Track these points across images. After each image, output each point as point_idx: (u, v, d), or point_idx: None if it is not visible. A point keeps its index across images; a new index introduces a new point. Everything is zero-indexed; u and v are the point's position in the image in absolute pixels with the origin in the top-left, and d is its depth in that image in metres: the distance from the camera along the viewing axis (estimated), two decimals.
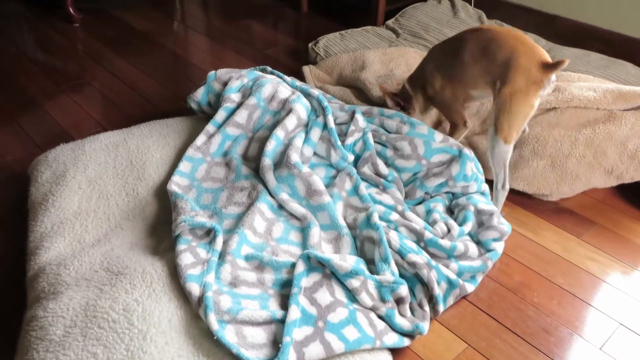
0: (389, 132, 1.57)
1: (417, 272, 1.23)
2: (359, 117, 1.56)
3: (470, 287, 1.30)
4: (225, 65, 2.38)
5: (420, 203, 1.50)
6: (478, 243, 1.40)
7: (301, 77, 2.21)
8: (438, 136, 1.51)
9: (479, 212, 1.41)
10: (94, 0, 2.86)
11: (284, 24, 2.82)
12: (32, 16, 2.78)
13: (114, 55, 2.43)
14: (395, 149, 1.51)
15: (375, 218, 1.29)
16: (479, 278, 1.34)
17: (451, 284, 1.25)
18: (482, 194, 1.52)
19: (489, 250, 1.38)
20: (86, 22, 2.73)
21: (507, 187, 1.49)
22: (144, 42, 2.58)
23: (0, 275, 1.33)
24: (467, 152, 1.46)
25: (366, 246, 1.29)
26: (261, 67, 1.79)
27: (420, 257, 1.25)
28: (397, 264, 1.25)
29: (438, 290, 1.21)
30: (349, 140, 1.51)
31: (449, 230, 1.38)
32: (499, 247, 1.39)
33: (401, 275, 1.24)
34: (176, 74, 2.30)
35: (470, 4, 2.65)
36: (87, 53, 2.46)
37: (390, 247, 1.26)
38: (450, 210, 1.50)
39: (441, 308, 1.22)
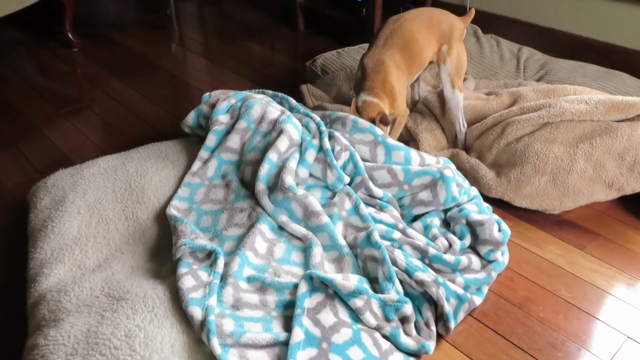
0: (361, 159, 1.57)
1: (426, 290, 1.22)
2: (338, 136, 1.54)
3: (478, 300, 1.30)
4: (224, 86, 2.40)
5: (415, 219, 1.50)
6: (479, 255, 1.39)
7: (299, 96, 2.22)
8: (415, 158, 1.52)
9: (471, 225, 1.41)
10: (92, 25, 2.88)
11: (281, 44, 2.84)
12: (32, 42, 2.81)
13: (112, 79, 2.45)
14: (374, 178, 1.50)
15: (376, 236, 1.29)
16: (485, 290, 1.34)
17: (460, 299, 1.24)
18: (474, 200, 1.52)
19: (490, 261, 1.38)
20: (85, 46, 2.75)
21: (465, 127, 1.78)
22: (143, 64, 2.60)
23: (1, 302, 1.32)
24: (448, 173, 1.46)
25: (369, 265, 1.28)
26: (261, 90, 1.80)
27: (427, 275, 1.24)
28: (404, 282, 1.24)
29: (448, 307, 1.21)
30: (339, 163, 1.50)
31: (450, 245, 1.38)
32: (500, 256, 1.39)
33: (406, 294, 1.23)
34: (175, 96, 2.32)
35: None
36: (86, 77, 2.48)
37: (397, 266, 1.25)
38: (446, 223, 1.49)
39: (452, 325, 1.21)
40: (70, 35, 2.67)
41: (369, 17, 2.58)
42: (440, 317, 1.21)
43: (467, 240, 1.39)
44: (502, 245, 1.39)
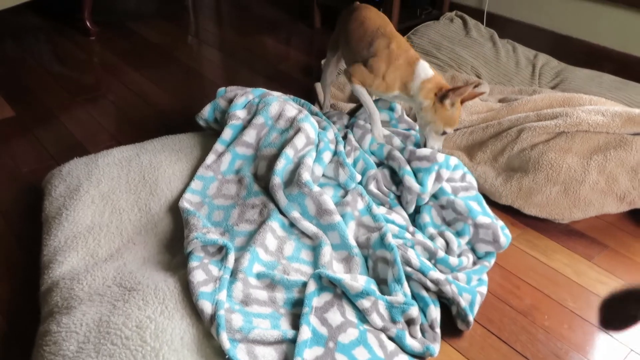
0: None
1: (441, 289, 1.24)
2: (351, 137, 1.62)
3: (484, 289, 1.34)
4: (238, 79, 2.41)
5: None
6: (473, 251, 1.44)
7: (313, 93, 2.23)
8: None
9: (476, 226, 1.42)
10: (111, 13, 2.90)
11: (297, 40, 2.85)
12: (50, 29, 2.83)
13: (129, 68, 2.47)
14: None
15: (389, 238, 1.30)
16: (485, 277, 1.39)
17: (472, 294, 1.27)
18: (477, 200, 1.52)
19: (481, 257, 1.43)
20: (102, 35, 2.77)
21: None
22: (159, 55, 2.61)
23: (15, 287, 1.35)
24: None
25: (379, 267, 1.29)
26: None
27: (440, 275, 1.27)
28: (419, 281, 1.26)
29: (464, 303, 1.23)
30: (349, 160, 1.55)
31: (447, 244, 1.42)
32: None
33: (413, 296, 1.24)
34: (189, 88, 2.33)
35: (483, 23, 2.66)
36: (103, 66, 2.50)
37: (411, 265, 1.27)
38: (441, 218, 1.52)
39: (471, 318, 1.23)
40: (88, 24, 2.69)
41: (387, 16, 2.58)
42: (458, 315, 1.23)
43: (465, 240, 1.43)
44: (502, 249, 1.42)
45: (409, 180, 1.48)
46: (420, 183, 1.48)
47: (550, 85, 2.14)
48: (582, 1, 2.39)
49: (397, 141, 1.61)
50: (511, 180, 1.62)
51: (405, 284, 1.23)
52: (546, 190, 1.57)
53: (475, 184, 1.58)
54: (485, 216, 1.44)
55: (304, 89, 2.34)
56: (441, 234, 1.43)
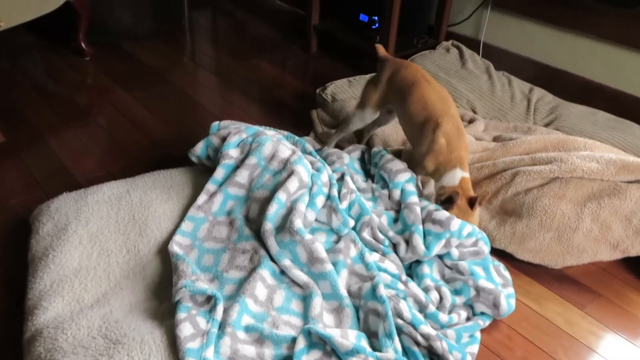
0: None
1: (431, 345, 1.22)
2: (348, 180, 1.59)
3: (475, 348, 1.31)
4: (232, 106, 2.39)
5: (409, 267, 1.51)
6: (470, 307, 1.41)
7: (308, 120, 2.22)
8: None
9: (477, 288, 1.39)
10: (106, 33, 2.88)
11: (293, 64, 2.84)
12: (45, 48, 2.80)
13: (122, 92, 2.45)
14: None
15: (381, 290, 1.28)
16: (478, 335, 1.35)
17: (461, 353, 1.25)
18: (483, 265, 1.48)
19: (477, 315, 1.40)
20: (97, 55, 2.75)
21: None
22: (153, 78, 2.59)
23: None
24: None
25: (370, 319, 1.27)
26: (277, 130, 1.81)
27: (431, 329, 1.25)
28: (409, 335, 1.24)
29: None
30: (344, 204, 1.52)
31: (441, 299, 1.38)
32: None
33: (405, 350, 1.23)
34: (183, 115, 2.31)
35: (479, 54, 2.66)
36: (96, 88, 2.47)
37: (402, 318, 1.25)
38: (441, 274, 1.49)
39: None
40: (83, 44, 2.67)
41: (382, 45, 2.57)
42: None
43: (461, 300, 1.39)
44: (501, 317, 1.39)
45: (417, 240, 1.44)
46: (427, 247, 1.44)
47: (545, 122, 2.14)
48: (577, 37, 2.40)
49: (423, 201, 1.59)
50: (505, 225, 1.61)
51: (397, 339, 1.21)
52: (539, 237, 1.57)
53: (486, 249, 1.51)
54: (489, 282, 1.41)
55: (298, 116, 2.32)
56: (437, 289, 1.40)
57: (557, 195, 1.59)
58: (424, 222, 1.50)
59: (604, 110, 2.20)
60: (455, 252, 1.48)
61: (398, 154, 1.80)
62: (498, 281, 1.45)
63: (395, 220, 1.56)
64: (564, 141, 1.78)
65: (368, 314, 1.28)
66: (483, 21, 2.70)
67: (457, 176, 1.55)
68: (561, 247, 1.56)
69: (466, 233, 1.47)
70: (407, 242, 1.48)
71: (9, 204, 1.74)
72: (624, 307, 1.51)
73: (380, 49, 1.86)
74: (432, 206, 1.53)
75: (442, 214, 1.47)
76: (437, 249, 1.44)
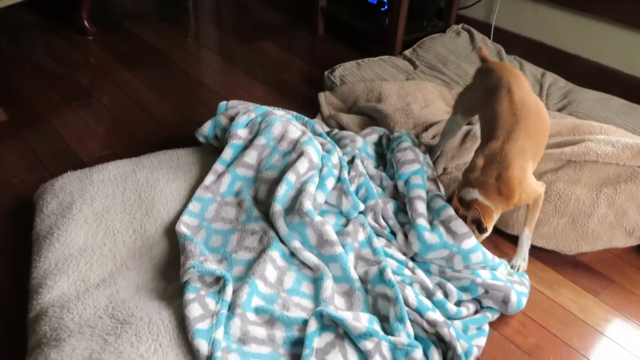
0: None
1: (438, 331, 1.19)
2: (358, 163, 1.54)
3: (482, 340, 1.27)
4: (237, 88, 2.35)
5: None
6: (477, 300, 1.35)
7: (315, 103, 2.17)
8: (489, 259, 1.38)
9: (486, 287, 1.31)
10: (109, 12, 2.83)
11: (299, 47, 2.79)
12: (46, 27, 2.75)
13: (125, 72, 2.40)
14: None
15: (389, 274, 1.25)
16: (486, 327, 1.31)
17: (468, 344, 1.21)
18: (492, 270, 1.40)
19: (484, 307, 1.34)
20: (100, 35, 2.70)
21: None
22: (157, 58, 2.55)
23: (1, 310, 1.29)
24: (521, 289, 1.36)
25: (380, 303, 1.24)
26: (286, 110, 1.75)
27: (438, 315, 1.21)
28: (415, 322, 1.21)
29: (460, 349, 1.17)
30: (352, 187, 1.48)
31: (447, 294, 1.32)
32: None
33: (415, 337, 1.20)
34: (186, 95, 2.27)
35: (489, 38, 2.61)
36: (99, 68, 2.43)
37: (408, 304, 1.22)
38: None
39: None
40: (86, 23, 2.61)
41: (391, 29, 2.52)
42: None
43: (468, 296, 1.32)
44: (509, 313, 1.33)
45: (413, 237, 1.37)
46: (428, 246, 1.34)
47: (558, 107, 2.10)
48: (592, 21, 2.35)
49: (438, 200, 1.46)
50: (518, 210, 1.58)
51: (408, 323, 1.18)
52: (554, 222, 1.53)
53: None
54: (496, 280, 1.33)
55: (305, 99, 2.28)
56: (441, 285, 1.33)
57: (571, 179, 1.56)
58: (439, 223, 1.37)
59: (618, 96, 2.16)
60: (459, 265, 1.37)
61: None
62: (507, 279, 1.38)
63: (402, 210, 1.51)
64: (578, 125, 1.74)
65: (377, 298, 1.25)
66: (495, 4, 2.64)
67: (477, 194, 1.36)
68: (575, 232, 1.52)
69: (475, 259, 1.34)
70: (406, 235, 1.41)
71: (11, 183, 1.70)
72: (638, 294, 1.48)
73: (484, 51, 1.65)
74: (451, 211, 1.39)
75: (460, 226, 1.34)
76: (436, 255, 1.35)
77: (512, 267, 1.46)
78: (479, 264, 1.35)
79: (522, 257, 1.47)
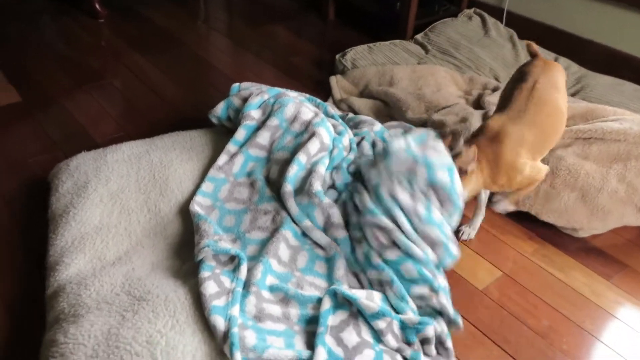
0: None
1: (427, 304, 1.19)
2: (364, 144, 1.54)
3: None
4: (247, 71, 2.35)
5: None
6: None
7: (326, 87, 2.17)
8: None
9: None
10: None
11: (309, 32, 2.78)
12: (57, 10, 2.75)
13: (136, 55, 2.40)
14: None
15: (376, 258, 1.25)
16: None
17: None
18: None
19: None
20: (111, 18, 2.70)
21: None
22: (168, 41, 2.54)
23: (20, 287, 1.31)
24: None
25: (376, 288, 1.24)
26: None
27: (423, 288, 1.20)
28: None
29: (452, 310, 1.18)
30: (351, 167, 1.46)
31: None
32: None
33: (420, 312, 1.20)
34: (197, 77, 2.27)
35: (502, 22, 2.59)
36: (111, 51, 2.43)
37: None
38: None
39: (460, 319, 1.19)
40: (97, 6, 2.61)
41: (403, 13, 2.51)
42: (449, 324, 1.18)
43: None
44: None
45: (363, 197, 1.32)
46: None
47: (571, 92, 2.08)
48: (605, 5, 2.32)
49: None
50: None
51: (410, 299, 1.18)
52: (564, 196, 1.53)
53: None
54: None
55: (315, 82, 2.28)
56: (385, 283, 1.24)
57: (580, 155, 1.57)
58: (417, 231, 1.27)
59: (631, 81, 2.14)
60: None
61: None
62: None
63: None
64: (592, 110, 1.73)
65: (372, 283, 1.25)
66: None
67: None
68: (586, 208, 1.52)
69: (417, 292, 1.21)
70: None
71: (26, 163, 1.71)
72: None
73: (534, 47, 1.60)
74: (424, 210, 1.29)
75: (434, 233, 1.25)
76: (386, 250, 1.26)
77: (461, 233, 1.53)
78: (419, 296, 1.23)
79: (474, 226, 1.54)
